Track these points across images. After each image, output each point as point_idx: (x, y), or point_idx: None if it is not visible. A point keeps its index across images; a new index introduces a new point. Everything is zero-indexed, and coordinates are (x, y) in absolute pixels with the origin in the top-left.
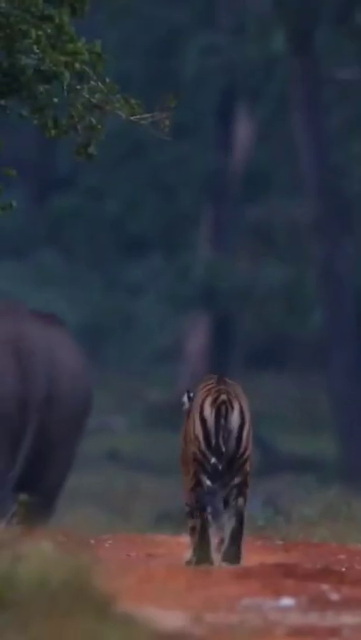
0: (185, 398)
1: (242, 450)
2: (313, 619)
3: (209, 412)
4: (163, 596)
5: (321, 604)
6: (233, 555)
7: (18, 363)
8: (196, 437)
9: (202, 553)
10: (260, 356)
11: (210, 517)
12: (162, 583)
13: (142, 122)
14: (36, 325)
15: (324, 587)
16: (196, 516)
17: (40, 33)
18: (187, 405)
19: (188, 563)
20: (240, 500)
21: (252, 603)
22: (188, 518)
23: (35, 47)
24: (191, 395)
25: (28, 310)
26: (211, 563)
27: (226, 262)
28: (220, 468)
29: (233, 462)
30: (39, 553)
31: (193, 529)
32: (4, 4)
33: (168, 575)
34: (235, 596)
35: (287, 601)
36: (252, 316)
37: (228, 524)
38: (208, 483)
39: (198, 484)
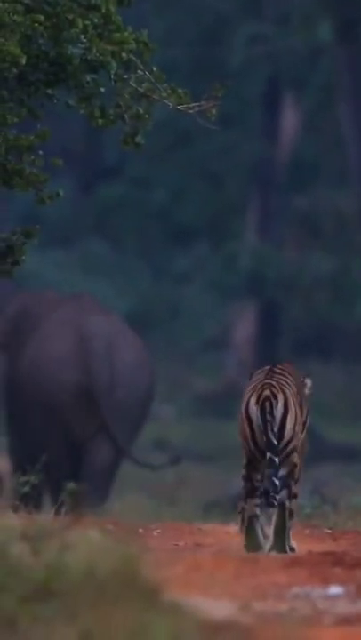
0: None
1: (286, 441)
2: None
3: (254, 410)
4: (211, 585)
5: None
6: (279, 547)
7: (79, 352)
8: (245, 436)
9: (250, 540)
10: (307, 345)
11: (258, 509)
12: (210, 572)
13: (189, 111)
14: (98, 315)
15: None
16: (245, 506)
17: (87, 22)
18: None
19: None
20: (283, 493)
21: (301, 591)
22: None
23: (82, 36)
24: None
25: (92, 300)
26: (260, 547)
27: (272, 251)
28: (276, 460)
29: (278, 453)
30: (87, 542)
31: (242, 510)
32: None
33: (216, 564)
34: (283, 584)
35: (336, 589)
36: (299, 305)
37: (275, 517)
38: (271, 476)
39: (249, 478)
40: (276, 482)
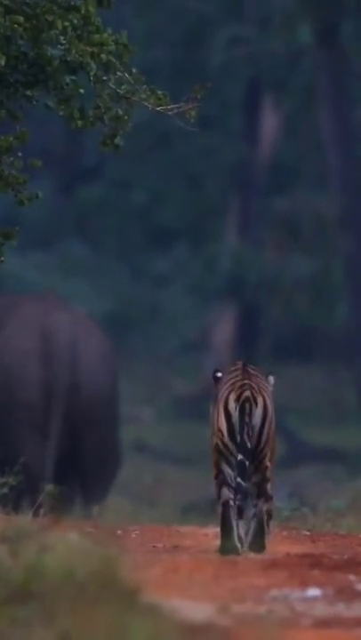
0: (218, 374)
1: (262, 446)
2: (340, 609)
3: (233, 408)
4: (189, 586)
5: (348, 594)
6: (257, 547)
7: (43, 349)
8: (220, 430)
9: (225, 541)
10: (287, 348)
11: (233, 507)
12: (188, 574)
13: (169, 113)
14: (61, 312)
15: (351, 577)
16: (219, 505)
17: (66, 24)
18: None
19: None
20: (260, 503)
21: (279, 593)
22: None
23: (61, 38)
24: (219, 374)
25: (56, 298)
26: (236, 550)
27: (252, 253)
28: (246, 464)
29: (254, 459)
30: (66, 544)
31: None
32: None
33: (194, 566)
34: (262, 586)
35: (314, 592)
36: (279, 308)
37: (251, 522)
38: (233, 475)
39: (220, 473)
40: (244, 485)
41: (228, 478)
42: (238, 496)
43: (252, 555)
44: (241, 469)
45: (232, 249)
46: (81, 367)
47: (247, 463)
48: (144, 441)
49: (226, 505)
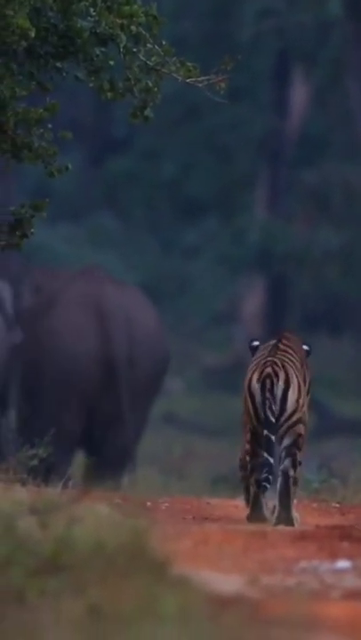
0: (254, 343)
1: (287, 413)
2: None
3: (256, 387)
4: (219, 559)
5: None
6: (284, 519)
7: (98, 325)
8: (248, 411)
9: (254, 511)
10: (316, 319)
11: (264, 484)
12: (218, 546)
13: (198, 84)
14: (115, 288)
15: None
16: (250, 483)
17: None
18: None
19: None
20: (286, 462)
21: (309, 565)
22: (242, 472)
23: (91, 9)
24: (256, 343)
25: (104, 273)
26: (264, 519)
27: (281, 225)
28: (272, 438)
29: (281, 427)
30: (95, 516)
31: (247, 487)
32: None
33: (224, 538)
34: (291, 558)
35: (343, 563)
36: (308, 279)
37: (278, 481)
38: (265, 455)
39: (254, 453)
40: (270, 460)
41: (263, 461)
42: (265, 469)
43: (281, 527)
44: (267, 444)
45: (261, 221)
46: (137, 343)
47: (273, 438)
48: (174, 413)
49: (259, 485)
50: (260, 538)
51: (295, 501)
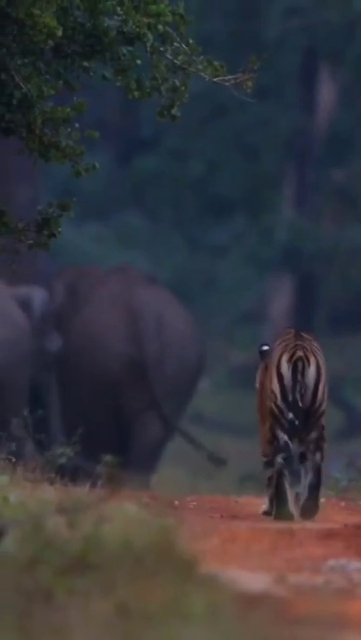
0: (264, 347)
1: (317, 405)
2: None
3: (286, 368)
4: (246, 557)
5: None
6: (310, 509)
7: (130, 325)
8: (273, 392)
9: (280, 507)
10: (344, 318)
11: (286, 471)
12: (245, 545)
13: (225, 83)
14: (146, 288)
15: None
16: (273, 470)
17: None
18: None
19: (266, 513)
20: (318, 455)
21: (336, 564)
22: (266, 469)
23: (118, 9)
24: (265, 347)
25: (136, 272)
26: (291, 516)
27: (309, 224)
28: (296, 423)
29: (309, 417)
30: (123, 514)
31: (270, 479)
32: None
33: (251, 536)
34: (319, 557)
35: None
36: (336, 278)
37: (306, 478)
38: (285, 438)
39: (274, 437)
40: (290, 444)
41: (283, 444)
42: (283, 454)
43: (308, 525)
44: (291, 428)
45: (289, 219)
46: (168, 343)
47: (297, 422)
48: (201, 411)
49: (280, 474)
50: (288, 536)
51: (323, 500)
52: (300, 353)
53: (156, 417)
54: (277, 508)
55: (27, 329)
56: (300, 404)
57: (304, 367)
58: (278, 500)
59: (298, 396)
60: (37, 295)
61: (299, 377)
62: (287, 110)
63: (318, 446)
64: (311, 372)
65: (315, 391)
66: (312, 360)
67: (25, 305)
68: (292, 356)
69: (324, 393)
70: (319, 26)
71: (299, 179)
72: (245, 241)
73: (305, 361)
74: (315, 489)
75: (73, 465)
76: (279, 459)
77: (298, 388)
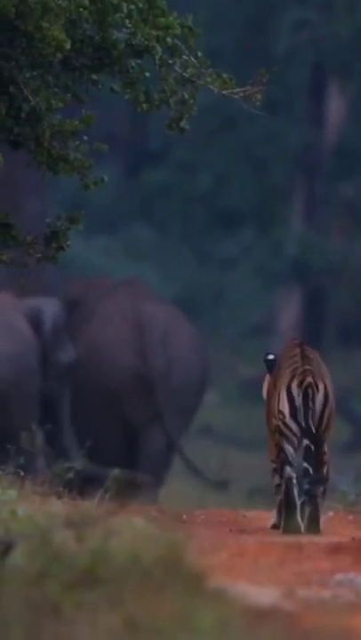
0: (269, 356)
1: (322, 431)
2: None
3: (296, 393)
4: (255, 571)
5: None
6: (312, 530)
7: (136, 338)
8: (281, 412)
9: (289, 516)
10: (352, 331)
11: (295, 480)
12: (254, 558)
13: (234, 96)
14: (153, 302)
15: None
16: (280, 491)
17: (132, 7)
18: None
19: (275, 526)
20: (316, 489)
21: (345, 578)
22: (274, 475)
23: (126, 21)
24: (271, 357)
25: (144, 286)
26: (298, 527)
27: (318, 237)
28: (312, 448)
29: (314, 442)
30: (131, 528)
31: (278, 486)
32: None
33: (260, 550)
34: (327, 571)
35: None
36: (345, 291)
37: (307, 506)
38: (292, 450)
39: (282, 452)
40: (310, 470)
41: (290, 457)
42: (306, 480)
43: (316, 538)
44: (307, 454)
45: (297, 233)
46: (174, 358)
47: (313, 448)
48: (210, 425)
49: (289, 482)
50: (296, 550)
51: (331, 513)
52: (309, 379)
53: (162, 430)
54: (286, 517)
55: (34, 343)
56: (314, 430)
57: (314, 394)
58: (287, 509)
59: (311, 423)
60: (49, 306)
61: (310, 404)
62: (296, 124)
63: (319, 473)
64: (319, 398)
65: (320, 418)
66: (320, 386)
67: (36, 317)
68: (301, 382)
69: (329, 418)
70: (328, 39)
71: (308, 192)
72: (254, 254)
73: (314, 387)
74: (314, 519)
75: (83, 477)
76: (288, 469)
77: (310, 414)
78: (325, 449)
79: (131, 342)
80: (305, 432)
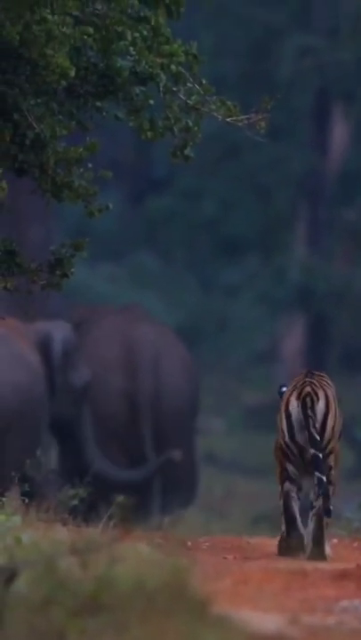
0: (283, 389)
1: (325, 440)
2: None
3: (295, 406)
4: (259, 598)
5: None
6: (317, 555)
7: (126, 360)
8: (282, 430)
9: (291, 531)
10: (356, 357)
11: (294, 494)
12: (258, 585)
13: (238, 123)
14: (146, 325)
15: None
16: (283, 507)
17: (136, 35)
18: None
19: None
20: (319, 501)
21: (349, 605)
22: (281, 498)
23: (131, 49)
24: (284, 389)
25: (142, 311)
26: (301, 538)
27: (322, 264)
28: (320, 456)
29: (322, 450)
30: (136, 555)
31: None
32: (99, 6)
33: (264, 577)
34: (331, 597)
35: None
36: (348, 317)
37: (310, 523)
38: (293, 469)
39: (284, 470)
40: (323, 478)
41: (292, 474)
42: (319, 490)
43: (321, 565)
44: (317, 463)
45: (301, 259)
46: (163, 379)
47: (320, 455)
48: (214, 452)
49: (287, 496)
50: (301, 577)
51: (335, 540)
52: (307, 389)
53: (148, 455)
54: (287, 530)
55: (41, 370)
56: (318, 438)
57: (313, 402)
58: (287, 523)
59: (313, 431)
60: (59, 330)
61: (310, 412)
62: (300, 150)
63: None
64: (320, 406)
65: (323, 426)
66: (321, 395)
67: (45, 341)
68: (300, 394)
69: (333, 429)
70: (331, 66)
71: (311, 218)
72: (258, 281)
73: (313, 396)
74: (318, 538)
75: (88, 503)
76: (287, 484)
77: (311, 423)
78: (332, 463)
79: (120, 363)
80: (310, 442)
